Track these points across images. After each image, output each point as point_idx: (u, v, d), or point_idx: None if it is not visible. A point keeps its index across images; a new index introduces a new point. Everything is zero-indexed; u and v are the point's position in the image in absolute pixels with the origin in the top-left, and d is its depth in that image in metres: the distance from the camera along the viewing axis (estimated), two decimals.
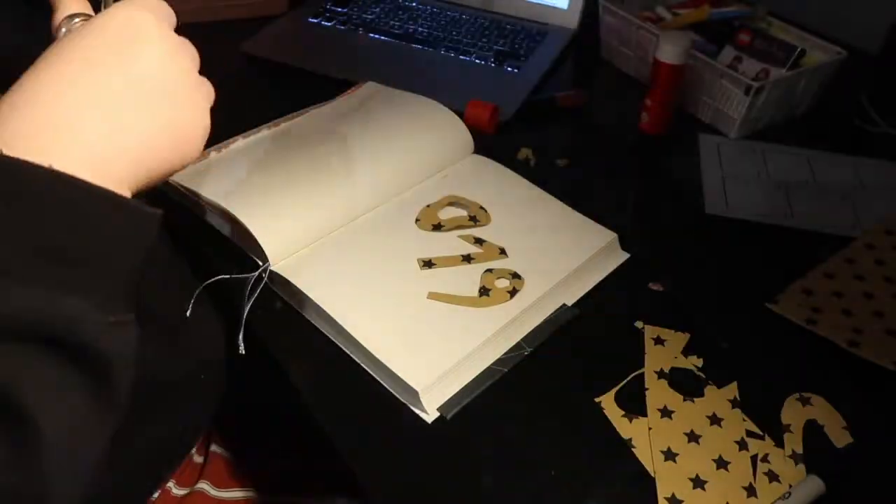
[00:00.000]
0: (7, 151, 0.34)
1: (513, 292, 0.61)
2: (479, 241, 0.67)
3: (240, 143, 0.73)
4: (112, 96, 0.38)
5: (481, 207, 0.70)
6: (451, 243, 0.67)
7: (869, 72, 0.93)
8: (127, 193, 0.38)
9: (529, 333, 0.60)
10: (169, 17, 0.42)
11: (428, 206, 0.70)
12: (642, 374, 0.58)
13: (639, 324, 0.62)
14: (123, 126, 0.38)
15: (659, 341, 0.61)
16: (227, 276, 0.61)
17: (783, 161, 0.83)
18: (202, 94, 0.42)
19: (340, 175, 0.69)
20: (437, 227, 0.68)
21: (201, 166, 0.69)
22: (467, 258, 0.65)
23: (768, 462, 0.53)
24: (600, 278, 0.66)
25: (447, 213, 0.70)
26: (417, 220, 0.68)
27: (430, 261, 0.64)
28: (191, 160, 0.43)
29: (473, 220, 0.69)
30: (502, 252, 0.65)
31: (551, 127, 0.86)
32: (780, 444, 0.54)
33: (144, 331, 0.42)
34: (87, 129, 0.37)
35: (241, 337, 0.59)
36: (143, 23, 0.40)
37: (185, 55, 0.42)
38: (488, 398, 0.56)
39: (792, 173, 0.81)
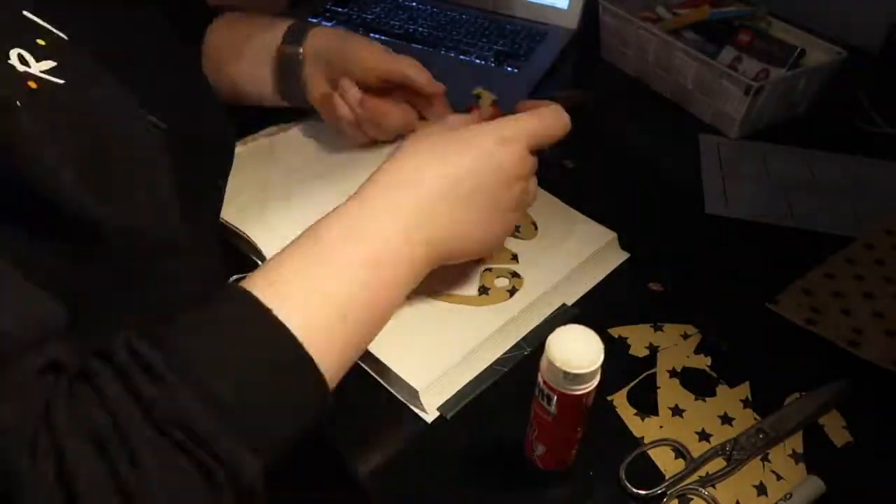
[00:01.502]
0: (394, 222, 0.48)
1: (512, 291, 0.61)
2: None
3: (239, 149, 0.73)
4: (432, 191, 0.50)
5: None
6: None
7: (869, 72, 0.94)
8: (425, 269, 0.51)
9: (529, 333, 0.60)
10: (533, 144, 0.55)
11: None
12: (654, 373, 0.58)
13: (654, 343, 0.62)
14: (435, 214, 0.50)
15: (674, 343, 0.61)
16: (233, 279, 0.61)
17: (783, 161, 0.83)
18: (512, 209, 0.54)
19: (339, 175, 0.69)
20: None
21: None
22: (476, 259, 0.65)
23: (769, 461, 0.53)
24: (600, 278, 0.66)
25: None
26: None
27: None
28: (483, 255, 0.60)
29: None
30: (514, 258, 0.65)
31: None
32: (781, 443, 0.54)
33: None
34: (441, 217, 0.50)
35: None
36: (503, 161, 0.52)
37: (509, 171, 0.52)
38: (488, 398, 0.56)
39: (792, 173, 0.81)
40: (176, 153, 0.47)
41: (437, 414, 0.55)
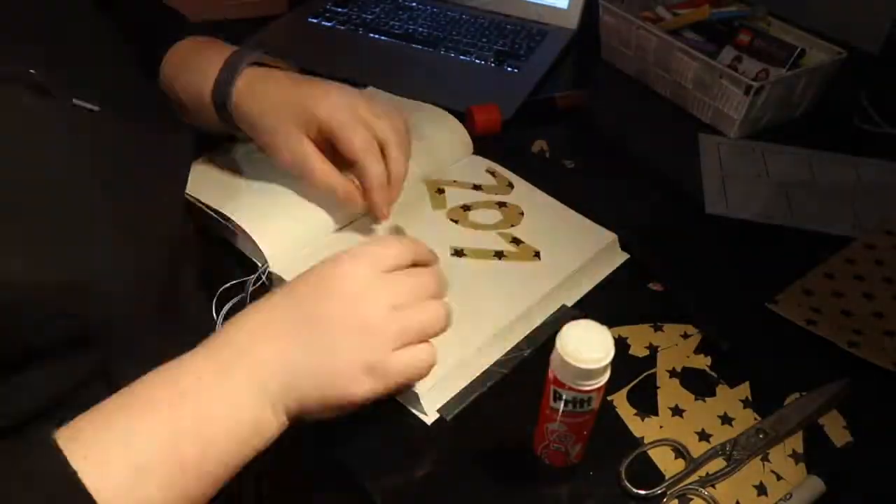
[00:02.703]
0: (206, 360, 0.43)
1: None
2: (516, 241, 0.67)
3: (239, 147, 0.73)
4: (291, 328, 0.44)
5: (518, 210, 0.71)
6: (481, 238, 0.67)
7: (869, 72, 0.93)
8: (281, 415, 0.44)
9: (529, 334, 0.60)
10: (380, 264, 0.47)
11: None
12: (654, 373, 0.58)
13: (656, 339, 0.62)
14: (291, 357, 0.44)
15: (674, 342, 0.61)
16: (228, 285, 0.62)
17: (783, 161, 0.83)
18: (358, 331, 0.45)
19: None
20: (467, 208, 0.70)
21: (200, 171, 0.69)
22: (499, 255, 0.66)
23: (769, 461, 0.53)
24: (600, 279, 0.66)
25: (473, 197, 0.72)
26: (455, 221, 0.69)
27: (461, 250, 0.66)
28: (345, 409, 0.46)
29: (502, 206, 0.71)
30: (536, 255, 0.66)
31: (551, 127, 0.86)
32: (781, 443, 0.54)
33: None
34: (263, 352, 0.44)
35: None
36: (342, 275, 0.46)
37: (369, 307, 0.45)
38: (488, 400, 0.56)
39: (792, 173, 0.81)
40: (113, 136, 0.46)
41: (437, 415, 0.55)
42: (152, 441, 0.39)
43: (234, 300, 0.61)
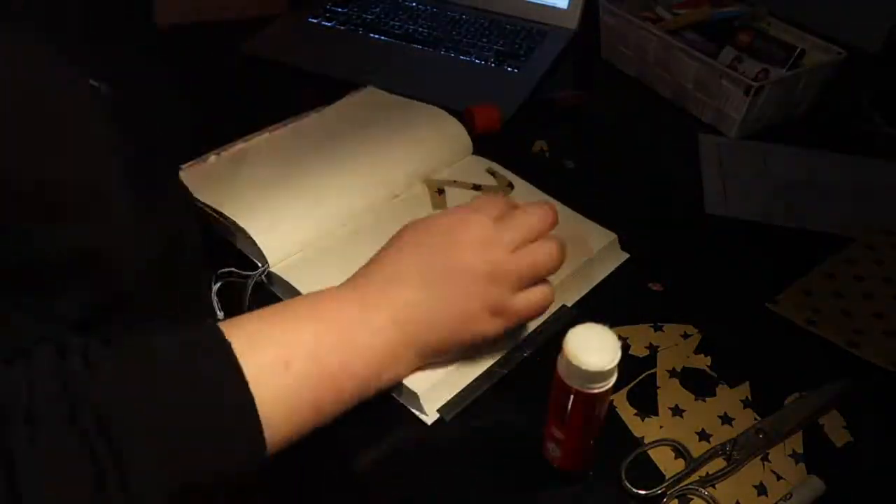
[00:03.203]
0: (352, 292, 0.50)
1: None
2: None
3: (239, 146, 0.73)
4: (426, 277, 0.50)
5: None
6: None
7: (869, 72, 0.93)
8: (413, 357, 0.51)
9: (529, 335, 0.60)
10: (494, 212, 0.52)
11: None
12: (654, 373, 0.58)
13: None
14: (428, 304, 0.49)
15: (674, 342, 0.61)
16: (228, 273, 0.62)
17: (783, 161, 0.83)
18: (483, 281, 0.50)
19: (339, 176, 0.69)
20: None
21: (201, 172, 0.69)
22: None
23: (769, 461, 0.53)
24: (600, 279, 0.66)
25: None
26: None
27: None
28: (470, 347, 0.53)
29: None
30: None
31: (551, 127, 0.86)
32: (781, 443, 0.54)
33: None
34: (402, 295, 0.49)
35: None
36: (467, 223, 0.51)
37: (468, 236, 0.51)
38: (488, 400, 0.56)
39: (792, 173, 0.81)
40: (126, 122, 0.46)
41: (436, 416, 0.55)
42: (302, 345, 0.45)
43: (219, 282, 0.61)
